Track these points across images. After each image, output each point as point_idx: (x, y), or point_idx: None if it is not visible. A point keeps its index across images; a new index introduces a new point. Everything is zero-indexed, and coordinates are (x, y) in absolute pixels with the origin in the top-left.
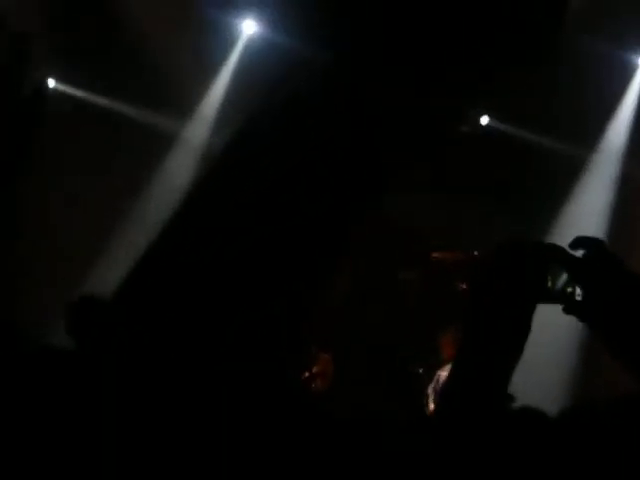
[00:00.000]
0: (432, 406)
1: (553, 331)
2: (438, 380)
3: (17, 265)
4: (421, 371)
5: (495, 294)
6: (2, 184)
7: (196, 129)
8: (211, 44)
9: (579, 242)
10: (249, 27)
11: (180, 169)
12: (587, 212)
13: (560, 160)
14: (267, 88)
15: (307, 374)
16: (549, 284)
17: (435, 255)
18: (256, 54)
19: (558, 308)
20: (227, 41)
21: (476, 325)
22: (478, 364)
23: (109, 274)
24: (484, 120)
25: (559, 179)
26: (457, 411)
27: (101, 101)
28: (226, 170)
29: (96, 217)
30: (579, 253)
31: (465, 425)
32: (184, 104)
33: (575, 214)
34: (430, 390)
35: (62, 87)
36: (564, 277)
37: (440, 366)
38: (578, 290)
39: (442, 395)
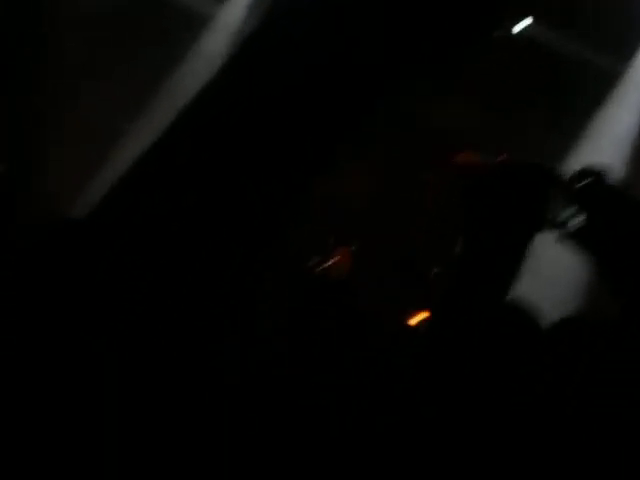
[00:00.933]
0: None
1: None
2: None
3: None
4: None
5: (493, 216)
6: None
7: (232, 10)
8: None
9: (584, 173)
10: None
11: (215, 52)
12: (615, 131)
13: (595, 72)
14: None
15: (324, 264)
16: (550, 211)
17: (459, 158)
18: None
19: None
20: None
21: (473, 242)
22: (475, 280)
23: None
24: (521, 25)
25: (592, 91)
26: (452, 319)
27: None
28: (255, 59)
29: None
30: (583, 182)
31: (459, 331)
32: None
33: (603, 131)
34: None
35: None
36: (566, 206)
37: None
38: (578, 218)
39: (443, 299)
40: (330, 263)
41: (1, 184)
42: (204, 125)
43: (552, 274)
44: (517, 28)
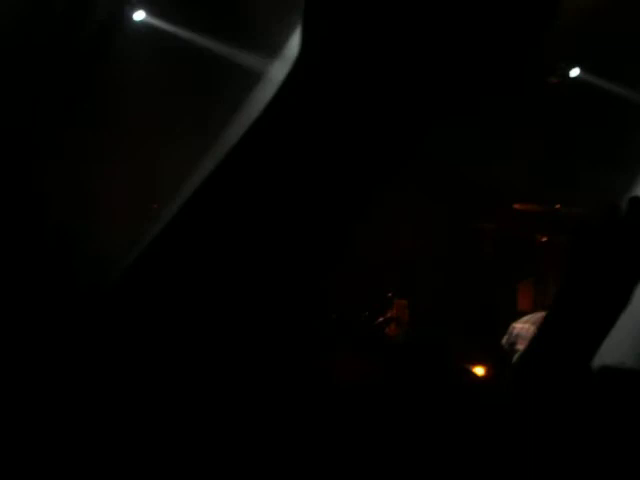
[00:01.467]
0: (504, 358)
1: None
2: (512, 333)
3: None
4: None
5: (599, 260)
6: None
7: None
8: None
9: None
10: None
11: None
12: None
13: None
14: None
15: (382, 318)
16: None
17: (516, 206)
18: None
19: None
20: None
21: (573, 289)
22: (568, 332)
23: None
24: (574, 72)
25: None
26: (537, 377)
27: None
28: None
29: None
30: None
31: (542, 393)
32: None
33: None
34: (504, 341)
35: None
36: None
37: (514, 318)
38: None
39: (524, 358)
40: (389, 315)
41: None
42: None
43: None
44: (571, 73)
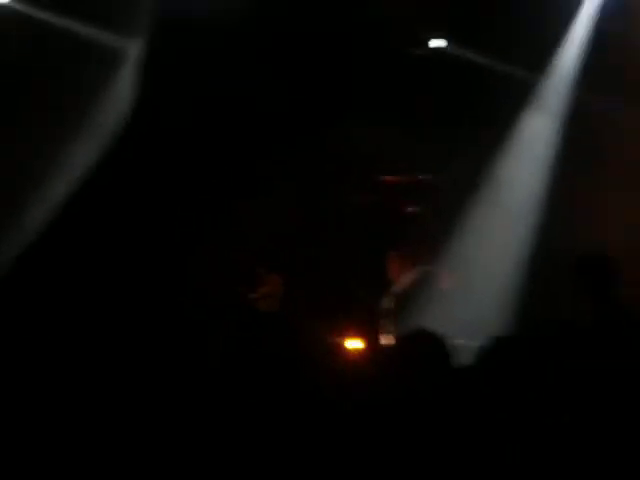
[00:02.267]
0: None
1: None
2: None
3: None
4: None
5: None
6: None
7: None
8: None
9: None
10: None
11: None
12: (532, 139)
13: (511, 84)
14: None
15: (255, 294)
16: None
17: (386, 179)
18: None
19: None
20: None
21: None
22: None
23: None
24: (437, 43)
25: (509, 104)
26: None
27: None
28: None
29: None
30: None
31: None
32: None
33: (521, 141)
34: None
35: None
36: None
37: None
38: None
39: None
40: (263, 291)
41: None
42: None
43: None
44: (432, 44)
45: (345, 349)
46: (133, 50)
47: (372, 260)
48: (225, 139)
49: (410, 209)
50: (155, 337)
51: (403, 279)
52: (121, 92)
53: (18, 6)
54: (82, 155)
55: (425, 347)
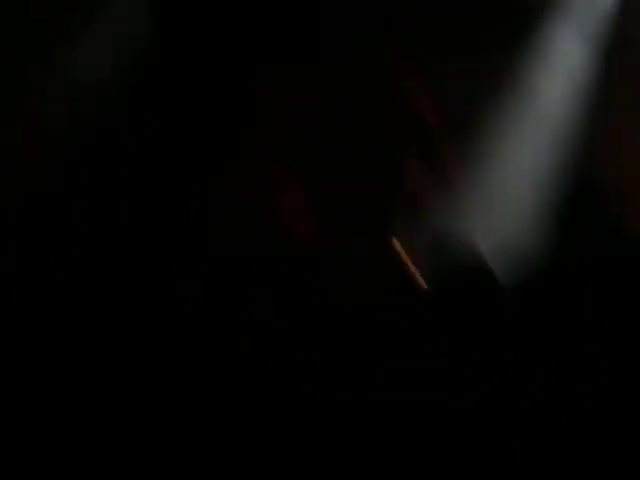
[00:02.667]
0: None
1: None
2: None
3: None
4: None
5: None
6: None
7: None
8: None
9: None
10: None
11: None
12: (565, 56)
13: None
14: None
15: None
16: None
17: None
18: None
19: None
20: None
21: None
22: None
23: None
24: None
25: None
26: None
27: None
28: None
29: None
30: None
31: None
32: None
33: (551, 54)
34: None
35: None
36: None
37: None
38: None
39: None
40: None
41: None
42: None
43: None
44: None
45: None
46: None
47: (387, 168)
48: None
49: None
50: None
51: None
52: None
53: None
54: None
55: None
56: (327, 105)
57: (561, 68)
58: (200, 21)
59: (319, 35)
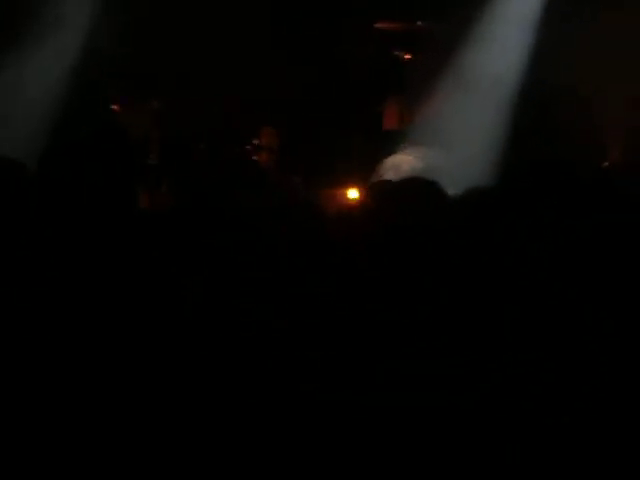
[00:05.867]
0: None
1: None
2: (385, 163)
3: None
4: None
5: None
6: None
7: None
8: None
9: None
10: None
11: None
12: None
13: None
14: None
15: (249, 147)
16: None
17: (378, 25)
18: None
19: None
20: None
21: None
22: None
23: None
24: None
25: None
26: None
27: None
28: None
29: None
30: None
31: None
32: None
33: None
34: (380, 170)
35: None
36: None
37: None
38: None
39: None
40: (257, 144)
41: None
42: None
43: None
44: None
45: (344, 199)
46: None
47: (369, 109)
48: None
49: (407, 56)
50: None
51: None
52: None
53: None
54: None
55: (422, 193)
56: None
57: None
58: None
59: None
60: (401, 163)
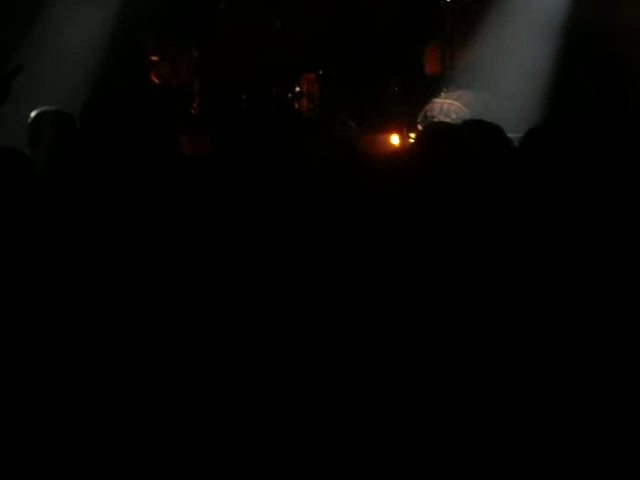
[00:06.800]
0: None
1: None
2: (433, 107)
3: None
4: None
5: None
6: None
7: None
8: None
9: None
10: None
11: None
12: None
13: None
14: None
15: (290, 94)
16: None
17: None
18: None
19: None
20: None
21: None
22: None
23: None
24: None
25: None
26: None
27: None
28: None
29: None
30: None
31: None
32: None
33: None
34: (423, 114)
35: None
36: None
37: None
38: None
39: None
40: (298, 90)
41: None
42: None
43: None
44: None
45: (386, 145)
46: None
47: (409, 53)
48: None
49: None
50: None
51: None
52: None
53: None
54: None
55: (480, 135)
56: None
57: None
58: None
59: None
60: (449, 109)
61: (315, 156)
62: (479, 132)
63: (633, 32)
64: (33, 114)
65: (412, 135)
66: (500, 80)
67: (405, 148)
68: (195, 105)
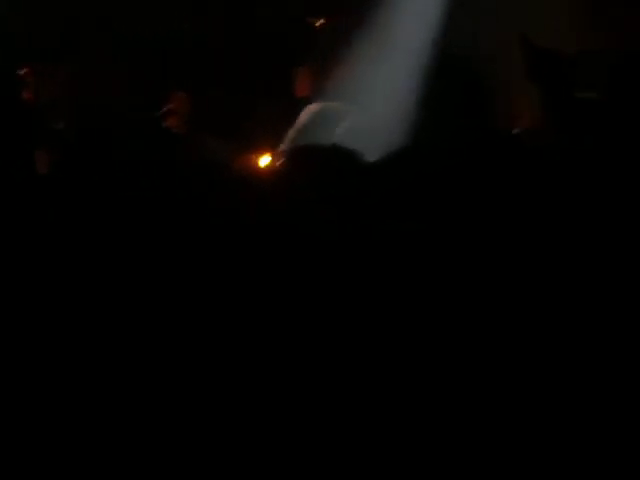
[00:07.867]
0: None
1: None
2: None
3: None
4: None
5: None
6: None
7: None
8: None
9: None
10: None
11: None
12: None
13: None
14: None
15: (160, 112)
16: None
17: None
18: None
19: None
20: None
21: None
22: None
23: None
24: None
25: None
26: None
27: None
28: None
29: None
30: None
31: None
32: None
33: None
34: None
35: None
36: None
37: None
38: None
39: None
40: (167, 109)
41: None
42: None
43: None
44: None
45: (255, 165)
46: None
47: (280, 75)
48: None
49: (318, 21)
50: None
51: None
52: None
53: None
54: None
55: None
56: None
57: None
58: None
59: None
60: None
61: (180, 172)
62: (334, 157)
63: (499, 54)
64: None
65: (278, 156)
66: (368, 101)
67: (273, 169)
68: (60, 120)
